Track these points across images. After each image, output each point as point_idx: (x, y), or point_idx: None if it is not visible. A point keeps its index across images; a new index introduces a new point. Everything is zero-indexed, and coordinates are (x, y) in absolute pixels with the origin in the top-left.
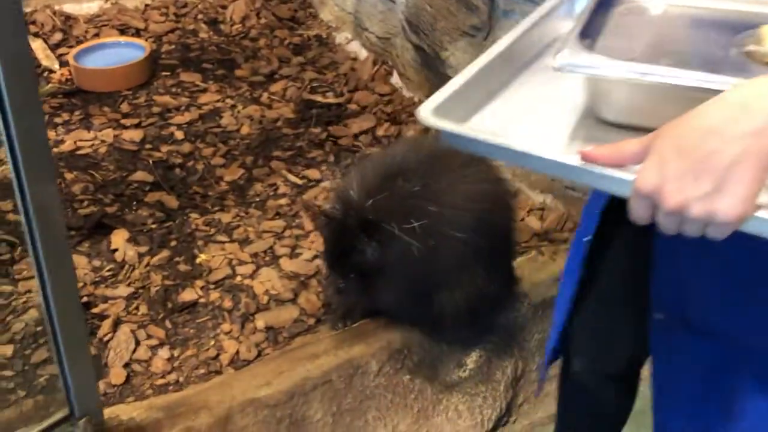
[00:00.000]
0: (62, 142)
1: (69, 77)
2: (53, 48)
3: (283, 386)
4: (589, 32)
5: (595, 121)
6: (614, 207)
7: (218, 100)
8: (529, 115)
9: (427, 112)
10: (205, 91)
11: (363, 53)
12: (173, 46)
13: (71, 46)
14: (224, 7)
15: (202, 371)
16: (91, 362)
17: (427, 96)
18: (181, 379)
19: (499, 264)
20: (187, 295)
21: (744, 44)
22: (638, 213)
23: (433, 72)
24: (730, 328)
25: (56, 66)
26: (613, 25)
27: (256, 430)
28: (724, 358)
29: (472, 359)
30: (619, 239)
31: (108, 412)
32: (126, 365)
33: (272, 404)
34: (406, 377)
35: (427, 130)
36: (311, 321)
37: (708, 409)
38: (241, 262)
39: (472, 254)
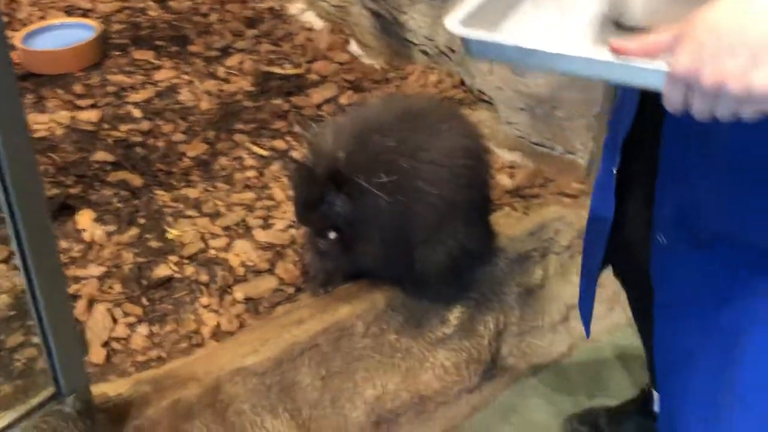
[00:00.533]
0: None
1: (17, 62)
2: None
3: (270, 353)
4: None
5: (615, 28)
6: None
7: (174, 77)
8: (549, 26)
9: (455, 23)
10: (159, 68)
11: (318, 23)
12: (123, 26)
13: (16, 30)
14: None
15: (183, 345)
16: (77, 337)
17: (388, 62)
18: (163, 355)
19: (477, 219)
20: (162, 271)
21: None
22: (673, 100)
23: (393, 37)
24: (748, 232)
25: None
26: None
27: (246, 399)
28: (739, 263)
29: (455, 315)
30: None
31: (93, 390)
32: (105, 344)
33: (261, 372)
34: (392, 337)
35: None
36: (291, 290)
37: (722, 317)
38: (214, 236)
39: (450, 209)
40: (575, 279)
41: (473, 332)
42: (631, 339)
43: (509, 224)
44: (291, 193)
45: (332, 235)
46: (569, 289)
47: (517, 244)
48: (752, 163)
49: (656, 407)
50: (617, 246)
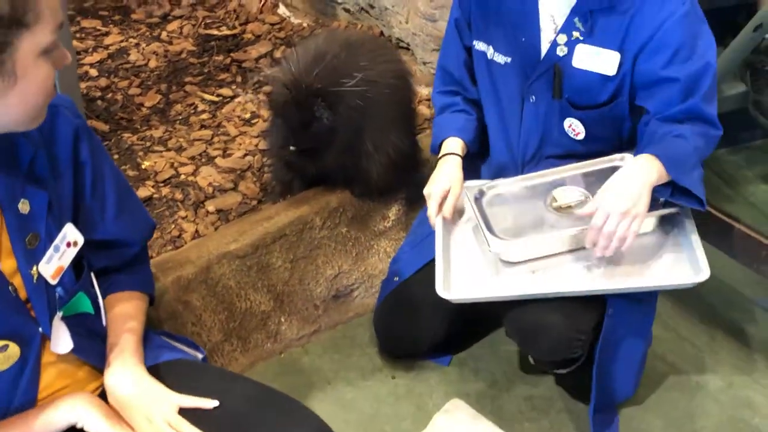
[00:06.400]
0: None
1: None
2: None
3: (248, 241)
4: (489, 225)
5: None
6: None
7: (122, 41)
8: None
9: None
10: (107, 34)
11: None
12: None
13: None
14: None
15: (170, 248)
16: None
17: (314, 20)
18: (153, 255)
19: (407, 129)
20: (142, 193)
21: (550, 204)
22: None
23: None
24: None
25: None
26: (492, 214)
27: (232, 276)
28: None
29: (392, 212)
30: None
31: None
32: None
33: (242, 255)
34: (344, 229)
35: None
36: (254, 202)
37: None
38: (182, 164)
39: (390, 119)
40: None
41: (407, 225)
42: None
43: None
44: (277, 121)
45: (293, 148)
46: None
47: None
48: None
49: None
50: None
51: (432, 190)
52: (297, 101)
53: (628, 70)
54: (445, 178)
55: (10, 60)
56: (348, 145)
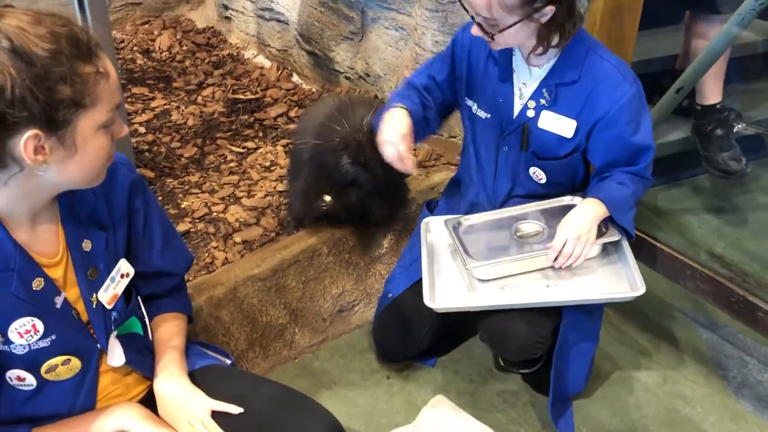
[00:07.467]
0: None
1: None
2: None
3: (268, 266)
4: (466, 249)
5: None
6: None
7: (165, 104)
8: None
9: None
10: (153, 98)
11: (267, 63)
12: (120, 72)
13: None
14: (153, 40)
15: (204, 273)
16: None
17: (321, 86)
18: (190, 278)
19: (402, 173)
20: (181, 227)
21: (515, 234)
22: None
23: (324, 69)
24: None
25: None
26: (467, 241)
27: (255, 296)
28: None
29: (386, 242)
30: None
31: None
32: None
33: (263, 278)
34: (346, 256)
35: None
36: (272, 234)
37: None
38: (214, 204)
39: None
40: None
41: (398, 252)
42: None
43: (417, 182)
44: (312, 171)
45: (327, 198)
46: None
47: (422, 194)
48: None
49: None
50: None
51: (387, 138)
52: (370, 140)
53: (583, 135)
54: (398, 124)
55: (71, 135)
56: (379, 181)
